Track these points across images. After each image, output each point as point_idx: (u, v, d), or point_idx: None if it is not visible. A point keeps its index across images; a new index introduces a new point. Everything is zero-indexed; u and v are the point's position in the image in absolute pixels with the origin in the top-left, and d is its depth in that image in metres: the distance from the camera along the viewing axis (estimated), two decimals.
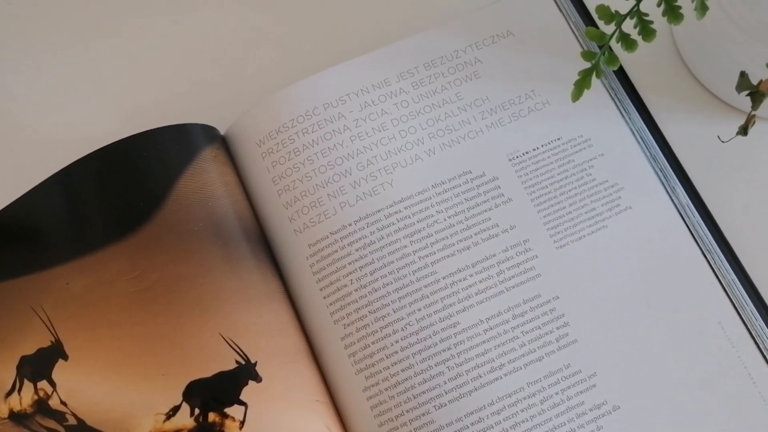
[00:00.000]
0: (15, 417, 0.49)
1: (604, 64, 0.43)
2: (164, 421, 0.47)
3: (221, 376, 0.47)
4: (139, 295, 0.49)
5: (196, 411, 0.47)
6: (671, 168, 0.52)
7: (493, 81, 0.54)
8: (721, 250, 0.50)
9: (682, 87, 0.55)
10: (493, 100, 0.53)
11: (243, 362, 0.47)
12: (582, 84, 0.43)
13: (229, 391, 0.47)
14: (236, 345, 0.48)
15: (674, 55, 0.55)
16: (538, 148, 0.52)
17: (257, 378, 0.47)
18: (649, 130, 0.53)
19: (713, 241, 0.50)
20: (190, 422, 0.47)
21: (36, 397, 0.50)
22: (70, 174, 0.52)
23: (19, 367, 0.50)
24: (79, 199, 0.52)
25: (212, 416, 0.47)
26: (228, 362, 0.47)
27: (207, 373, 0.47)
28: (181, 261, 0.50)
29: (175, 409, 0.47)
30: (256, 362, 0.47)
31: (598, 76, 0.43)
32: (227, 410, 0.47)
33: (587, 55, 0.43)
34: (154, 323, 0.49)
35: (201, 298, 0.49)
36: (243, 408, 0.47)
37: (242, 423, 0.47)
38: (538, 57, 0.54)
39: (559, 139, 0.53)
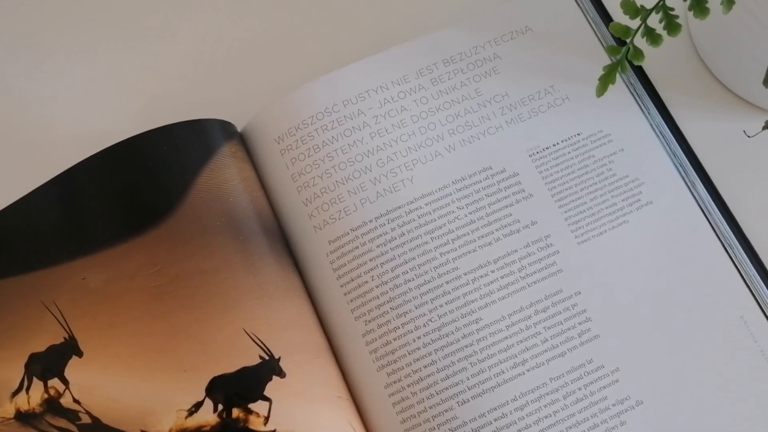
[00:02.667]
0: (22, 417, 0.49)
1: (630, 59, 0.43)
2: (186, 417, 0.47)
3: (245, 371, 0.47)
4: (159, 289, 0.49)
5: (220, 407, 0.47)
6: (690, 164, 0.52)
7: (512, 77, 0.54)
8: (741, 246, 0.50)
9: (700, 84, 0.55)
10: (513, 96, 0.53)
11: (267, 357, 0.47)
12: (607, 79, 0.43)
13: (252, 387, 0.47)
14: (260, 340, 0.47)
15: (691, 52, 0.55)
16: (558, 143, 0.52)
17: (281, 373, 0.47)
18: (668, 126, 0.53)
19: (734, 236, 0.50)
20: (213, 418, 0.47)
21: (46, 396, 0.49)
22: (85, 169, 0.52)
23: (27, 365, 0.49)
24: (94, 194, 0.52)
25: (236, 412, 0.47)
26: (251, 357, 0.47)
27: (230, 368, 0.47)
28: (201, 256, 0.49)
29: (198, 405, 0.47)
30: (280, 357, 0.47)
31: (623, 71, 0.43)
32: (251, 406, 0.47)
33: (612, 50, 0.43)
34: (175, 318, 0.48)
35: (222, 293, 0.48)
36: (267, 403, 0.46)
37: (267, 419, 0.46)
38: (557, 53, 0.54)
39: (579, 134, 0.53)
